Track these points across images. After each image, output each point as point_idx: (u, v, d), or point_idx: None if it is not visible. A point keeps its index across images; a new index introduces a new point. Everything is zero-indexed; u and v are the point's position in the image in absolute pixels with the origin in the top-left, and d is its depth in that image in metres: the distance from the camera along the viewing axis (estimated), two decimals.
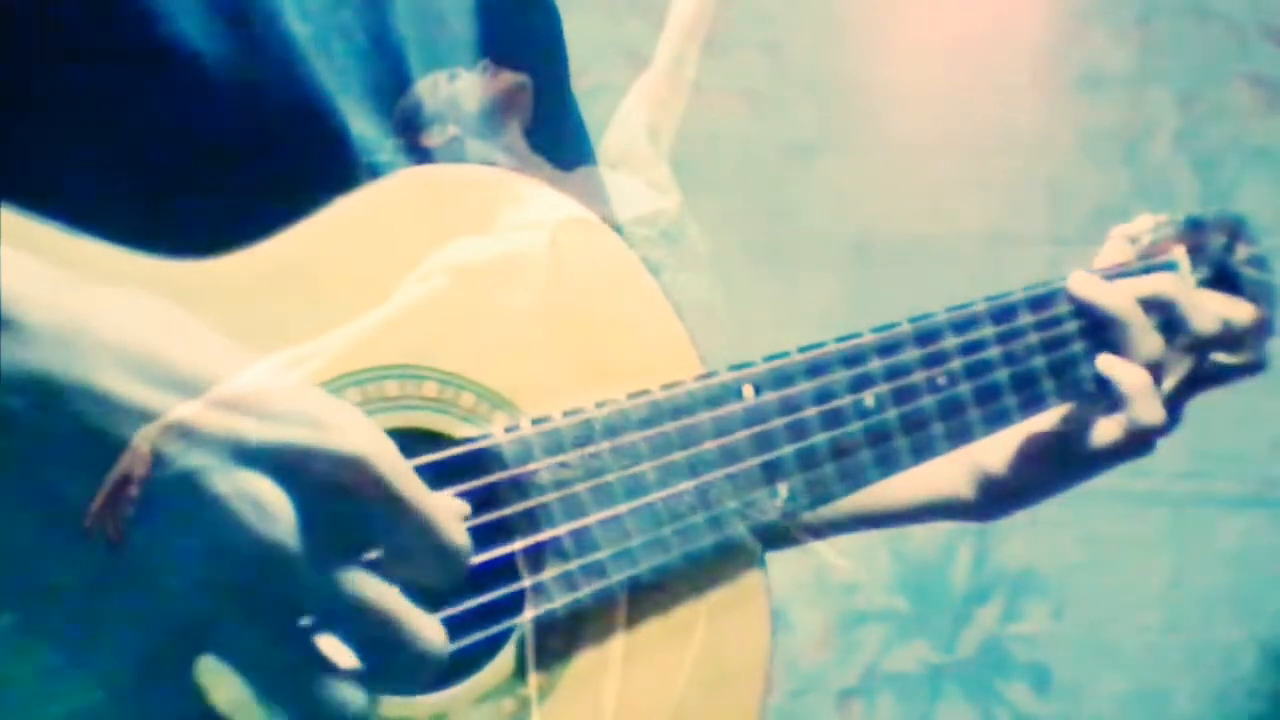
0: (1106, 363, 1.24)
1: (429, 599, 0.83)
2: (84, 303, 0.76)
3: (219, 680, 0.79)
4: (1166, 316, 1.26)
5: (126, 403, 0.74)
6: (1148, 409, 1.24)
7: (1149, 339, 1.24)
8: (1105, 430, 1.26)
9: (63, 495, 0.74)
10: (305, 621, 0.78)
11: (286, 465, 0.76)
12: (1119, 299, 1.24)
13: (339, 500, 0.77)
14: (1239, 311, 1.31)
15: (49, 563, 0.75)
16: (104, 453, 0.74)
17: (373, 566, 0.79)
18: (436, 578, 0.82)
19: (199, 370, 0.76)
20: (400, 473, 0.79)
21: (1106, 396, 1.25)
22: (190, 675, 0.78)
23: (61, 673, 0.77)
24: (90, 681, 0.77)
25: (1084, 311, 1.24)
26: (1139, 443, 1.26)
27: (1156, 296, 1.26)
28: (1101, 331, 1.24)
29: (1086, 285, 1.24)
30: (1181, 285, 1.29)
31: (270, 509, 0.75)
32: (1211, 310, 1.28)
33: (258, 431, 0.76)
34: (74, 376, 0.74)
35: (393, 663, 0.80)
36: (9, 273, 0.74)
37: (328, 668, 0.78)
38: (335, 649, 0.78)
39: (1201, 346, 1.29)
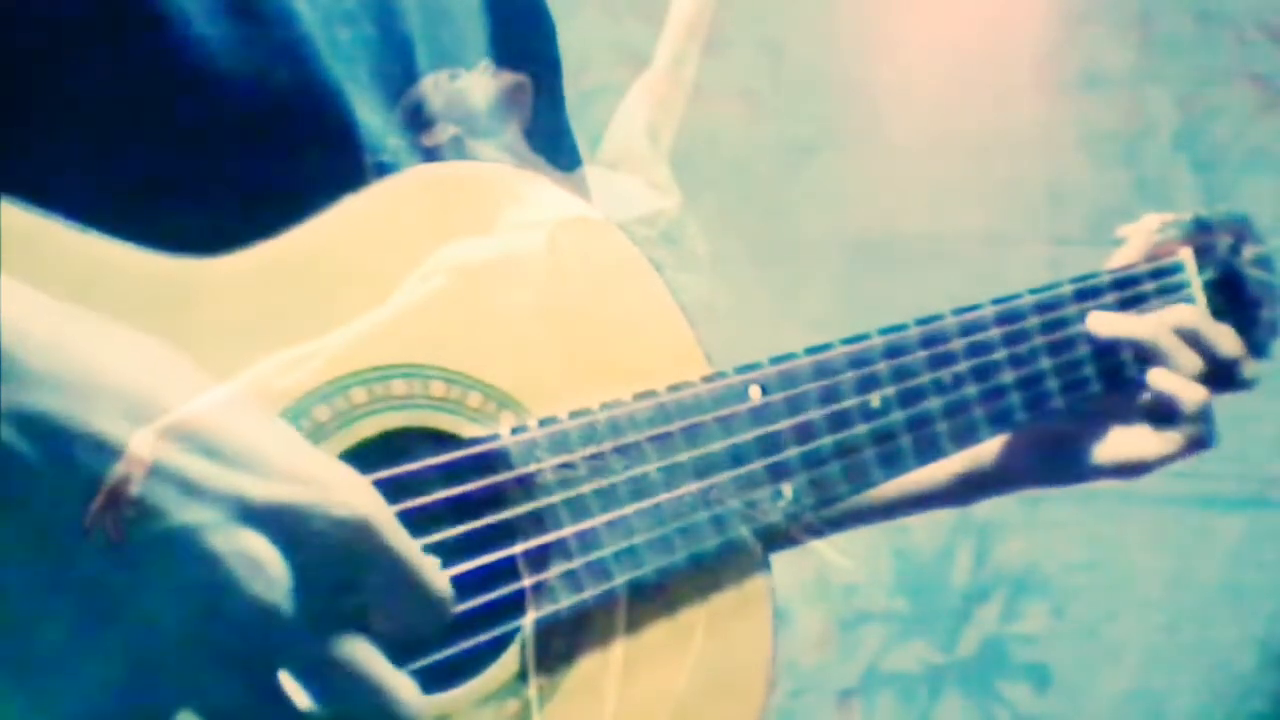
0: (1163, 378, 1.25)
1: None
2: (86, 343, 0.75)
3: None
4: (1193, 345, 1.27)
5: (126, 449, 0.74)
6: (1205, 427, 1.27)
7: (1187, 358, 1.26)
8: (1152, 443, 1.28)
9: (57, 535, 0.73)
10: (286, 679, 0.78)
11: (286, 525, 0.76)
12: (1149, 328, 1.25)
13: (333, 559, 0.78)
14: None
15: (37, 598, 0.74)
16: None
17: (356, 616, 0.80)
18: (418, 631, 0.83)
19: (201, 419, 0.76)
20: (396, 534, 0.79)
21: (1162, 411, 1.26)
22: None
23: (33, 706, 0.76)
24: (63, 716, 0.76)
25: (1111, 347, 1.24)
26: (1186, 455, 1.28)
27: (1181, 327, 1.27)
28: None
29: (1108, 324, 1.25)
30: (1201, 313, 1.30)
31: (266, 569, 0.75)
32: (1231, 334, 1.29)
33: (260, 490, 0.76)
34: (76, 421, 0.73)
35: None
36: (10, 307, 0.74)
37: None
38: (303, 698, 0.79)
39: (1223, 370, 1.29)
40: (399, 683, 0.80)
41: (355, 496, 0.78)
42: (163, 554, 0.74)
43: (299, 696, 0.79)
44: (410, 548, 0.80)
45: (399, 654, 0.82)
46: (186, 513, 0.74)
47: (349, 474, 0.80)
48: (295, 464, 0.77)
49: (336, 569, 0.78)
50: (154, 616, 0.75)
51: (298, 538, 0.76)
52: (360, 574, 0.79)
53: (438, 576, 0.82)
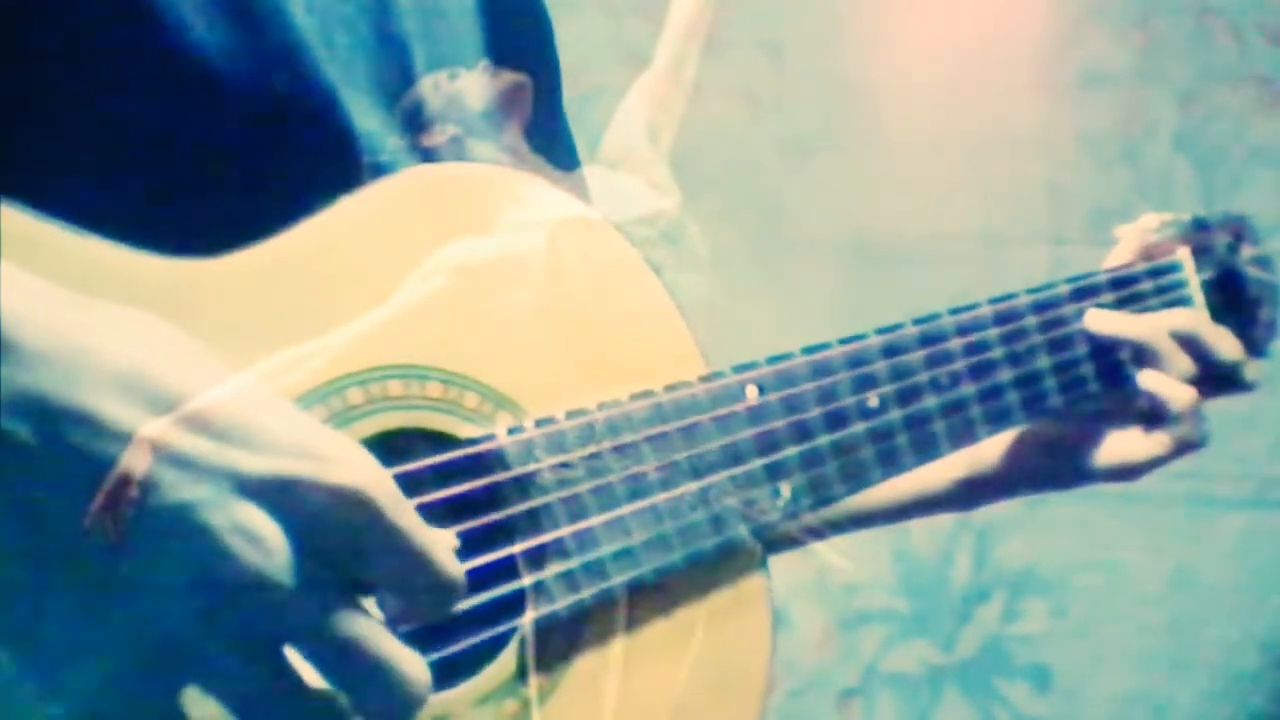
0: (1153, 380, 1.26)
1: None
2: (85, 324, 0.75)
3: (198, 703, 0.79)
4: (1191, 349, 1.27)
5: (126, 429, 0.73)
6: (1195, 428, 1.27)
7: (1180, 360, 1.26)
8: (1142, 444, 1.28)
9: (56, 517, 0.73)
10: (291, 655, 0.78)
11: (283, 498, 0.75)
12: (1146, 328, 1.25)
13: (334, 533, 0.77)
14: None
15: (38, 581, 0.74)
16: (102, 477, 0.73)
17: (363, 591, 0.79)
18: (428, 610, 0.81)
19: (199, 397, 0.75)
20: (397, 506, 0.78)
21: (1152, 412, 1.27)
22: (172, 701, 0.78)
23: (41, 691, 0.76)
24: (71, 699, 0.76)
25: (1109, 346, 1.24)
26: (1175, 456, 1.29)
27: (1179, 331, 1.27)
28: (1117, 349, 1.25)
29: (1106, 322, 1.25)
30: (1200, 317, 1.30)
31: (265, 543, 0.75)
32: (1230, 338, 1.30)
33: (255, 464, 0.75)
34: (73, 401, 0.73)
35: (376, 701, 0.79)
36: (9, 291, 0.74)
37: (310, 702, 0.78)
38: (312, 676, 0.78)
39: (1224, 373, 1.29)
40: (406, 658, 0.79)
41: (352, 468, 0.77)
42: (161, 533, 0.74)
43: (309, 675, 0.78)
44: (414, 523, 0.79)
45: (412, 640, 0.81)
46: (183, 490, 0.74)
47: (350, 448, 0.79)
48: (293, 438, 0.77)
49: (337, 543, 0.77)
50: (157, 595, 0.74)
51: (295, 511, 0.76)
52: (363, 549, 0.78)
53: (446, 556, 0.80)
